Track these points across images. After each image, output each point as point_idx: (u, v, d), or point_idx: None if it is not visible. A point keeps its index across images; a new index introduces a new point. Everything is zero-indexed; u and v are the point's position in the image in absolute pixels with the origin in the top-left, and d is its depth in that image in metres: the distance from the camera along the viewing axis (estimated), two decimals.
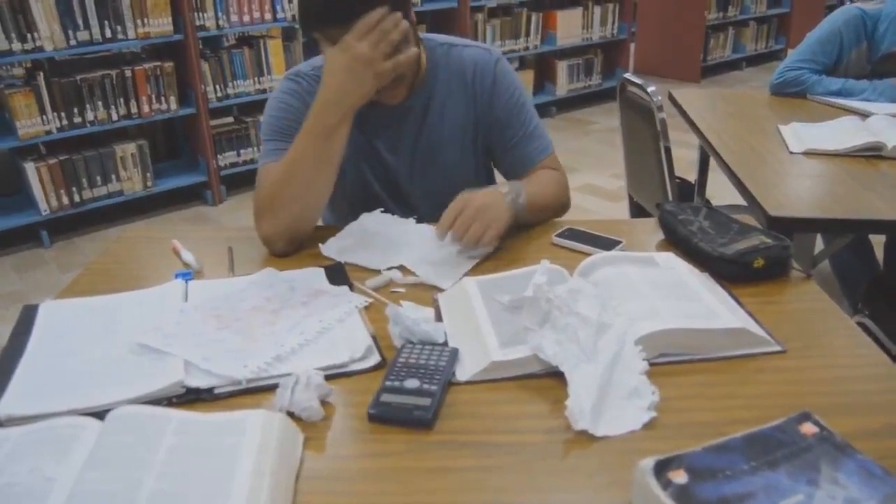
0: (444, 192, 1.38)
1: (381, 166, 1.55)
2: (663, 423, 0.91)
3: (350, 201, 1.56)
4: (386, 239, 1.38)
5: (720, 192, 2.74)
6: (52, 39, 3.47)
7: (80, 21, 3.52)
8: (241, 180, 4.28)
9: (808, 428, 0.81)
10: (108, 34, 3.62)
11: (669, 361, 1.02)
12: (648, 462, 0.74)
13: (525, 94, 1.56)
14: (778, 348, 1.05)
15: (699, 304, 1.10)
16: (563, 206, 1.54)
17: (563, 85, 5.63)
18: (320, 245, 1.38)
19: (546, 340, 0.97)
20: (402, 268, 1.29)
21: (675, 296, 1.12)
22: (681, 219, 1.36)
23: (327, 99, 1.31)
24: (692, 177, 2.70)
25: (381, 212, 1.47)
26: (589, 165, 4.33)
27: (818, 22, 2.58)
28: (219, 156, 4.15)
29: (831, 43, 2.47)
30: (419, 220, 1.45)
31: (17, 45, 3.38)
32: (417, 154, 1.54)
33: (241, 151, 4.24)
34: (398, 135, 1.53)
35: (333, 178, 1.38)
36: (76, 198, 3.72)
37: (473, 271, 1.28)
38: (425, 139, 1.53)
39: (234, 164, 4.23)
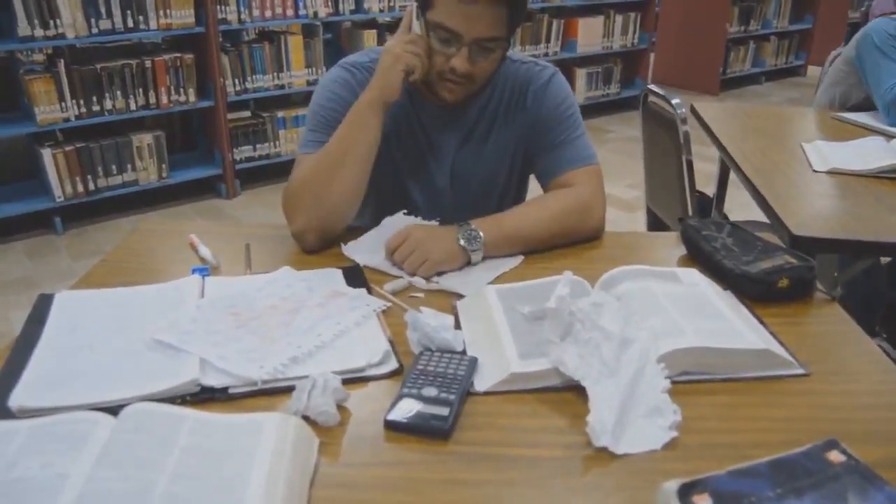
0: (476, 199, 1.49)
1: (426, 170, 1.54)
2: (684, 443, 0.89)
3: (385, 206, 1.52)
4: None
5: (738, 207, 2.72)
6: (73, 27, 3.48)
7: (102, 10, 3.53)
8: (256, 175, 4.29)
9: (835, 456, 0.79)
10: (130, 24, 3.63)
11: (691, 380, 1.00)
12: (673, 485, 0.73)
13: (575, 108, 1.54)
14: (801, 371, 1.03)
15: (723, 322, 1.08)
16: (574, 231, 1.42)
17: (582, 93, 5.61)
18: (342, 245, 1.37)
19: (568, 354, 0.96)
20: None
21: (698, 313, 1.10)
22: (704, 234, 1.34)
23: (368, 88, 1.38)
24: (710, 190, 2.67)
25: (405, 214, 1.45)
26: (605, 175, 4.26)
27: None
28: (235, 149, 4.15)
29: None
30: (443, 222, 1.43)
31: (38, 32, 3.39)
32: (463, 160, 1.53)
33: (258, 146, 4.24)
34: (449, 139, 1.52)
35: (365, 170, 1.38)
36: (91, 186, 3.73)
37: (496, 281, 1.26)
38: (473, 146, 1.53)
39: (249, 159, 4.23)
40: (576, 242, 1.43)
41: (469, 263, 1.31)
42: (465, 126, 1.52)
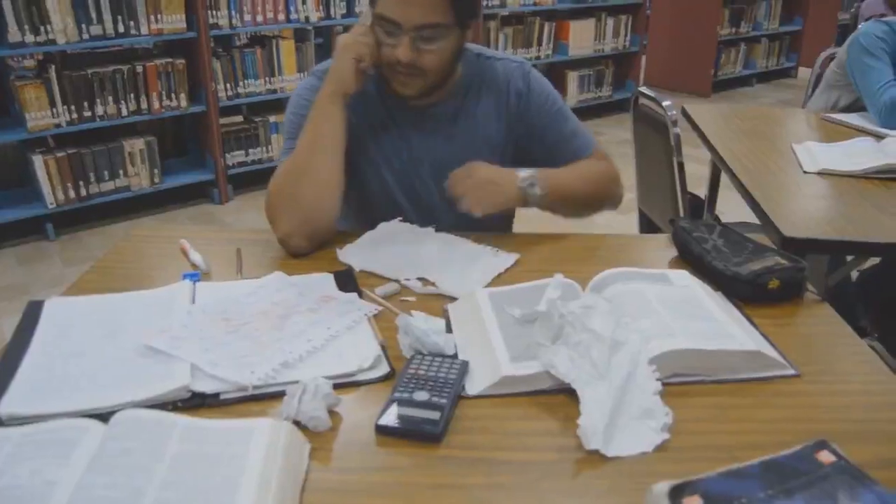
0: None
1: (405, 172, 1.54)
2: (676, 445, 0.89)
3: (372, 211, 1.53)
4: (404, 248, 1.36)
5: (729, 208, 2.72)
6: (64, 32, 3.46)
7: (93, 15, 3.52)
8: (249, 180, 4.28)
9: (825, 456, 0.79)
10: (121, 29, 3.62)
11: (682, 382, 1.00)
12: (663, 487, 0.73)
13: (560, 99, 1.57)
14: (792, 372, 1.04)
15: (714, 324, 1.08)
16: (607, 196, 1.55)
17: (574, 95, 5.62)
18: (337, 250, 1.37)
19: (558, 357, 0.96)
20: (421, 277, 1.27)
21: (689, 315, 1.10)
22: (695, 236, 1.34)
23: (325, 82, 1.41)
24: (701, 192, 2.68)
25: (400, 220, 1.45)
26: None
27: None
28: (227, 155, 4.14)
29: (886, 53, 2.39)
30: (438, 229, 1.43)
31: (29, 38, 3.38)
32: (442, 159, 1.52)
33: (250, 151, 4.23)
34: (426, 139, 1.52)
35: (334, 161, 1.40)
36: (83, 192, 3.72)
37: (493, 283, 1.26)
38: (452, 146, 1.52)
39: (242, 164, 4.22)
40: (595, 214, 1.57)
41: (526, 205, 1.42)
42: (446, 124, 1.51)
